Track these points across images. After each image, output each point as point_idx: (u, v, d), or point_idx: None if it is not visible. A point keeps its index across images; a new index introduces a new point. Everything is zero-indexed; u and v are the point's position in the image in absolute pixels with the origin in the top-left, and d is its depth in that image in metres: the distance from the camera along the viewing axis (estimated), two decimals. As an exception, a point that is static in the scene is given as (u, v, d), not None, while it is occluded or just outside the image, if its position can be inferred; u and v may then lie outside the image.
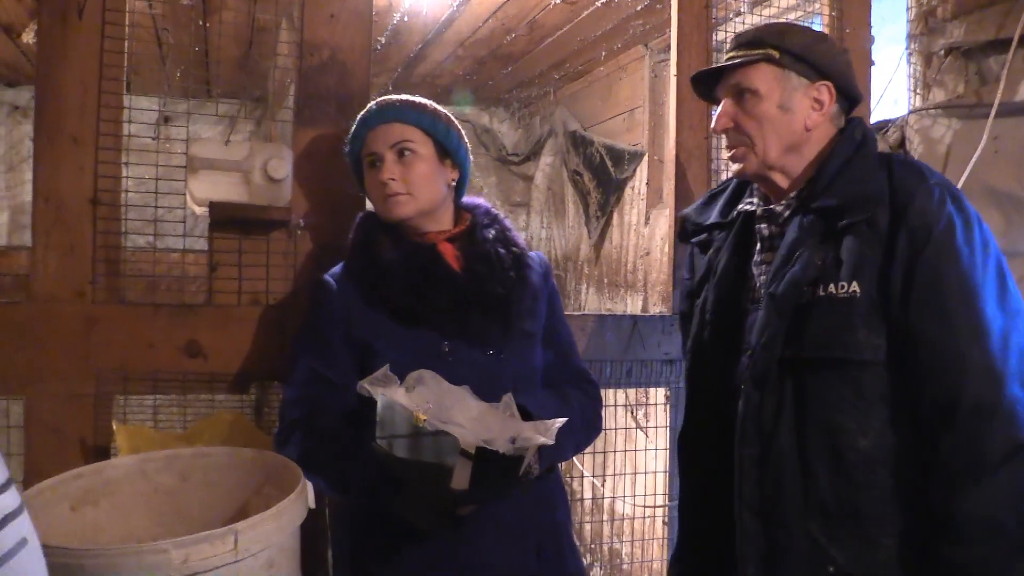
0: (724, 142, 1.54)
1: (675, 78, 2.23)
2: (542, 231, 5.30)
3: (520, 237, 1.69)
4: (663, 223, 3.66)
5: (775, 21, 1.65)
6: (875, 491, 1.34)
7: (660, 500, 2.40)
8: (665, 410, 2.28)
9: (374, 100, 1.63)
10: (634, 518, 2.72)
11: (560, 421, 1.37)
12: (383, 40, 3.75)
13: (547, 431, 1.34)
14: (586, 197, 4.54)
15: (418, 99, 1.63)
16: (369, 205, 1.71)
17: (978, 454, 1.25)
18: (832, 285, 1.36)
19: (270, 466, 1.49)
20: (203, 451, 1.56)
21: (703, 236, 1.66)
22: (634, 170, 4.07)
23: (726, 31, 2.35)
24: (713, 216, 1.65)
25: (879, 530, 1.34)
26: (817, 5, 2.49)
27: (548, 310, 1.68)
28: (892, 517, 1.34)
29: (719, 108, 1.52)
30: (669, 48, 2.38)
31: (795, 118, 1.46)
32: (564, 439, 1.51)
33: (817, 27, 2.57)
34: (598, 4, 3.26)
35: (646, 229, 3.87)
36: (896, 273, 1.33)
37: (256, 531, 1.19)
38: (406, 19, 3.42)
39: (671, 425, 2.19)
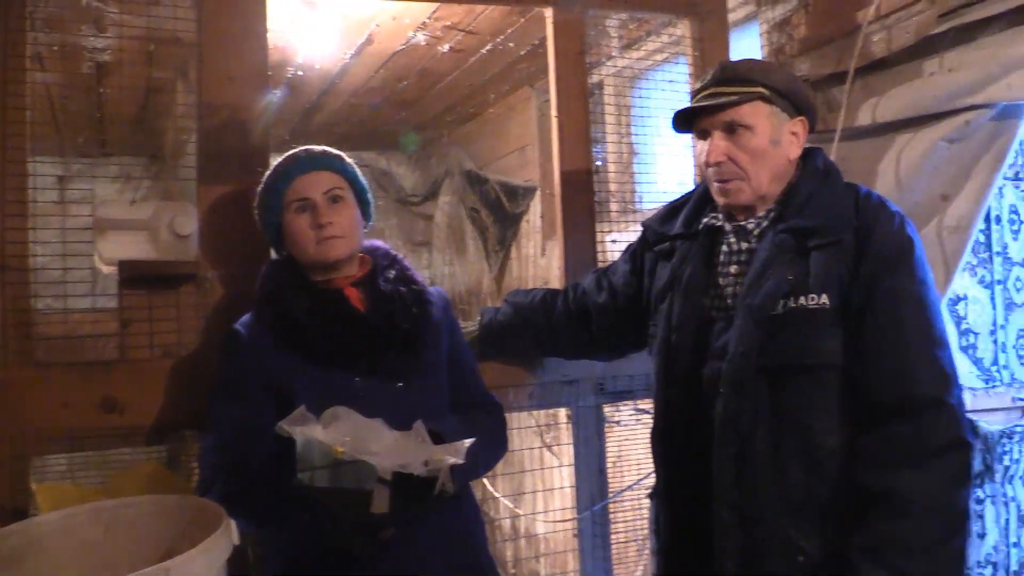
0: (714, 173, 1.61)
1: (556, 119, 2.40)
2: (445, 268, 5.41)
3: (419, 274, 1.80)
4: (558, 253, 3.83)
5: (753, 59, 1.71)
6: (845, 484, 1.48)
7: (570, 515, 2.53)
8: (567, 429, 2.42)
9: (291, 151, 1.70)
10: (547, 534, 2.84)
11: (468, 442, 1.48)
12: (279, 93, 3.83)
13: (457, 452, 1.45)
14: (485, 233, 4.70)
15: (335, 151, 1.72)
16: (273, 254, 1.79)
17: (926, 442, 1.41)
18: (803, 297, 1.51)
19: (193, 509, 1.52)
20: (127, 501, 1.58)
21: (665, 245, 1.77)
22: (528, 204, 4.25)
23: (600, 74, 2.55)
24: (677, 227, 1.75)
25: (849, 519, 1.46)
26: (681, 47, 2.72)
27: (450, 341, 1.79)
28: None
29: (709, 141, 1.59)
30: (551, 90, 2.55)
31: (782, 151, 1.59)
32: (475, 459, 1.63)
33: (682, 67, 2.81)
34: (484, 51, 3.42)
35: (543, 260, 4.04)
36: (858, 289, 1.49)
37: (187, 567, 1.24)
38: (300, 73, 3.51)
39: (574, 442, 2.32)
